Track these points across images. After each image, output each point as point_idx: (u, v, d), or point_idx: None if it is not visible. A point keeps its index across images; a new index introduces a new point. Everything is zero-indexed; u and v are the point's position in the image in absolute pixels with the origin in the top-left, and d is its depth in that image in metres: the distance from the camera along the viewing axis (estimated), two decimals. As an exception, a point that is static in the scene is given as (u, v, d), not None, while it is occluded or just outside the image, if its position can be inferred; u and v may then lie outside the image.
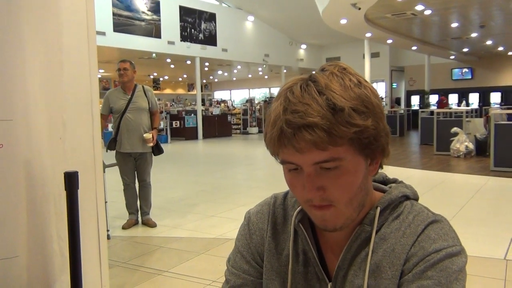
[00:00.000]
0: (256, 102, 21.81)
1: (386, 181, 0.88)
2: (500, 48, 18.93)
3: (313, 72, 0.74)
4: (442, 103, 18.77)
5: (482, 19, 13.59)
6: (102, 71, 21.87)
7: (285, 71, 22.23)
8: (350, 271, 0.79)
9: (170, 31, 15.83)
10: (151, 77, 27.22)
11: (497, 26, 14.68)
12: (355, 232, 0.78)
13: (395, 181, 0.88)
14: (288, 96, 0.69)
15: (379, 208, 0.78)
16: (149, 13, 15.05)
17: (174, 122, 17.16)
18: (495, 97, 21.42)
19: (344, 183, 0.71)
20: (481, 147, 9.73)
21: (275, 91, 27.16)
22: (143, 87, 4.63)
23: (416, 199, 0.83)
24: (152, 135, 4.50)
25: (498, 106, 17.54)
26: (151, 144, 4.51)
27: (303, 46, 23.12)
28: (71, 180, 2.23)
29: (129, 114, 4.45)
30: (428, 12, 12.05)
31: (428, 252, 0.72)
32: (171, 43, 15.95)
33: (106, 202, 4.41)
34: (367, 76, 16.36)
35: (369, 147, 0.71)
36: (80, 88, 2.67)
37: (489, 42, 17.32)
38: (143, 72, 23.76)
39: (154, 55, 16.24)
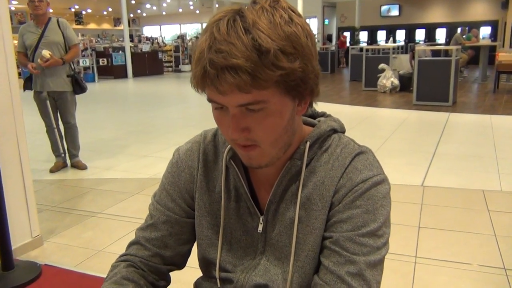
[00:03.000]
0: (188, 38, 21.07)
1: (315, 114, 0.89)
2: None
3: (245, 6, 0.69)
4: (342, 42, 19.95)
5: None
6: (16, 3, 19.87)
7: (217, 5, 21.43)
8: (281, 204, 0.81)
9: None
10: (72, 10, 25.19)
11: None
12: (286, 167, 0.80)
13: (323, 114, 0.89)
14: (214, 32, 0.65)
15: (308, 143, 0.79)
16: None
17: (101, 60, 16.24)
18: (420, 34, 22.28)
19: (269, 124, 0.70)
20: (404, 83, 10.22)
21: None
22: (57, 20, 4.26)
23: (343, 131, 0.86)
24: (50, 56, 4.03)
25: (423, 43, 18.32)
26: (42, 63, 4.00)
27: (235, -21, 22.33)
28: (-14, 123, 2.07)
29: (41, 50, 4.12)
30: None
31: (355, 183, 0.76)
32: (92, -28, 14.73)
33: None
34: (299, 12, 16.21)
35: (296, 89, 0.69)
36: (-12, 20, 2.41)
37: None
38: (62, 5, 21.91)
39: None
